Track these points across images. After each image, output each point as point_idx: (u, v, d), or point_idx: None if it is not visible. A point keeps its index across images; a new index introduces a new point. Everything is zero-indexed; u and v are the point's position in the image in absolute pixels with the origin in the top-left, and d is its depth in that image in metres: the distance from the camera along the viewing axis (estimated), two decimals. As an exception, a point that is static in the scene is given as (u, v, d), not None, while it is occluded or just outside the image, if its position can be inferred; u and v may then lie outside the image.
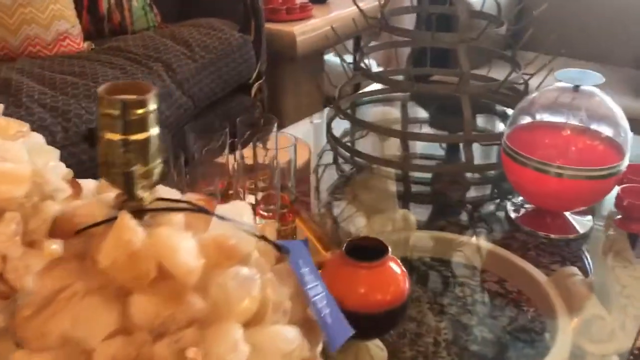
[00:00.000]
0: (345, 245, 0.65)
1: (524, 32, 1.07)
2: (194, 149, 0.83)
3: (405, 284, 0.65)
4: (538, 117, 0.84)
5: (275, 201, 0.79)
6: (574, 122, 0.81)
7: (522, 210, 0.89)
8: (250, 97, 1.60)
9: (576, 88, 0.80)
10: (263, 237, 0.35)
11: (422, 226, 0.88)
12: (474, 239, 0.84)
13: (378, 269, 0.64)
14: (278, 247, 0.34)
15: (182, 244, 0.31)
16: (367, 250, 0.65)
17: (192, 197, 0.36)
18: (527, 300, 0.73)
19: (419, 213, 0.92)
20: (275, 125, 0.88)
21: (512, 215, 0.88)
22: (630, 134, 0.82)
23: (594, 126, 0.82)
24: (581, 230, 0.86)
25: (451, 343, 0.67)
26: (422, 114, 1.25)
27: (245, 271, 0.31)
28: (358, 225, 0.90)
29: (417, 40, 1.03)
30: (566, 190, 0.81)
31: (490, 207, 0.95)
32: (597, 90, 0.81)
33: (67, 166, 1.02)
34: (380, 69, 2.10)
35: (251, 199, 0.85)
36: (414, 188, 1.01)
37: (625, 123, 0.82)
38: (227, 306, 0.30)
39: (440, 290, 0.76)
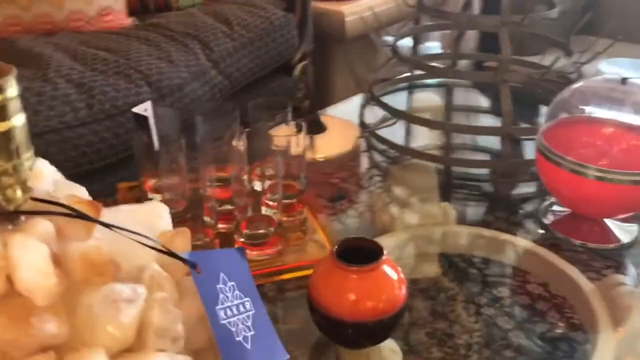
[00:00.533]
0: (336, 246, 0.59)
1: (580, 16, 0.97)
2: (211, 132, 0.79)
3: (401, 291, 0.60)
4: (578, 111, 0.75)
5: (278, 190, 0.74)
6: (619, 118, 0.72)
7: (557, 214, 0.81)
8: (293, 78, 1.55)
9: (624, 80, 0.71)
10: (164, 250, 0.30)
11: (465, 221, 0.82)
12: (517, 238, 0.77)
13: (370, 273, 0.58)
14: (183, 261, 0.29)
15: (27, 256, 0.26)
16: (362, 252, 0.59)
17: (75, 198, 0.31)
18: (571, 307, 0.67)
19: (464, 207, 0.87)
20: (289, 110, 0.83)
21: (545, 219, 0.80)
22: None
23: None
24: (624, 240, 0.77)
25: (483, 346, 0.62)
26: (481, 101, 1.17)
27: (121, 290, 0.27)
28: (392, 216, 0.84)
29: (453, 23, 0.95)
30: (607, 195, 0.72)
31: (535, 205, 0.87)
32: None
33: (90, 144, 0.99)
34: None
35: (258, 186, 0.81)
36: (457, 181, 0.95)
37: None
38: (91, 331, 0.25)
39: (478, 290, 0.70)
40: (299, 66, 1.58)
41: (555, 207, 0.82)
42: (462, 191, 0.92)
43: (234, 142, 0.75)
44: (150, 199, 0.76)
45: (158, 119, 0.80)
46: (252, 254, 0.71)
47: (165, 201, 0.73)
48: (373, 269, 0.58)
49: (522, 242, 0.77)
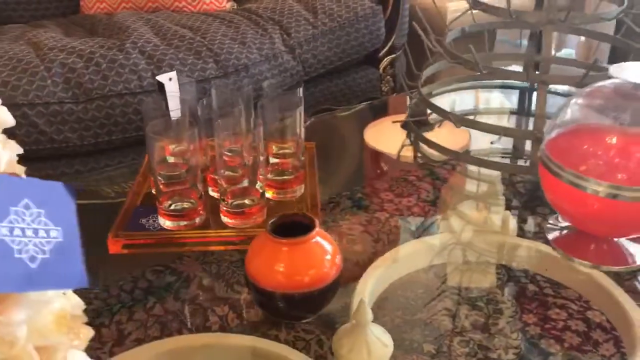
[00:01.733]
0: (273, 220, 0.61)
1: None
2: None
3: (334, 266, 0.60)
4: (586, 119, 0.68)
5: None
6: (631, 128, 0.65)
7: (563, 231, 0.74)
8: (379, 71, 1.55)
9: (637, 86, 0.64)
10: None
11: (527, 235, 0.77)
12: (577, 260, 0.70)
13: (299, 246, 0.59)
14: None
15: None
16: (303, 228, 0.60)
17: None
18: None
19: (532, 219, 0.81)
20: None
21: (550, 235, 0.74)
22: None
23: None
24: (638, 261, 0.70)
25: (516, 365, 0.59)
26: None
27: None
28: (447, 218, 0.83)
29: (499, 21, 0.90)
30: (616, 213, 0.65)
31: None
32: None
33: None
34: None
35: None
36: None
37: None
38: None
39: (531, 307, 0.66)
40: (386, 59, 1.58)
41: (555, 225, 0.76)
42: (532, 202, 0.85)
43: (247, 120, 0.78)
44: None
45: (183, 90, 0.85)
46: (230, 222, 0.75)
47: (169, 164, 0.78)
48: (302, 242, 0.58)
49: (580, 265, 0.70)
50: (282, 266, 0.58)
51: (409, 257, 0.72)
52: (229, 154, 0.78)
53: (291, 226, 0.60)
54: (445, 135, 0.96)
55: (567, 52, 2.38)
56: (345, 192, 0.87)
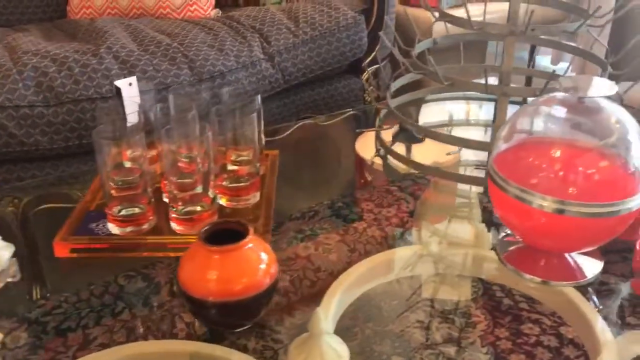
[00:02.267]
0: (205, 228, 0.60)
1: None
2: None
3: (268, 274, 0.59)
4: (534, 132, 0.67)
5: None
6: (576, 142, 0.64)
7: (513, 245, 0.73)
8: (361, 80, 1.55)
9: (581, 100, 0.63)
10: None
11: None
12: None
13: (231, 254, 0.58)
14: None
15: None
16: (238, 236, 0.60)
17: None
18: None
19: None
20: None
21: (501, 250, 0.73)
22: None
23: (602, 148, 0.64)
24: (589, 275, 0.69)
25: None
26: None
27: None
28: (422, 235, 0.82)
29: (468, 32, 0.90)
30: (563, 229, 0.64)
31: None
32: (609, 103, 0.63)
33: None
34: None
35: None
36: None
37: None
38: None
39: (504, 322, 0.65)
40: (370, 69, 1.58)
41: (504, 239, 0.75)
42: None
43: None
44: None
45: (143, 96, 0.85)
46: (179, 228, 0.75)
47: (125, 169, 0.78)
48: (234, 250, 0.58)
49: (531, 280, 0.69)
50: (213, 274, 0.58)
51: (379, 268, 0.71)
52: (186, 160, 0.78)
53: (227, 234, 0.60)
54: (433, 147, 0.95)
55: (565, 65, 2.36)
56: (327, 201, 0.87)
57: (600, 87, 0.63)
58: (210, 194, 0.75)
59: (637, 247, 0.70)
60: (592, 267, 0.70)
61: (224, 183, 0.80)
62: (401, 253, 0.75)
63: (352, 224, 0.81)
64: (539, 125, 0.67)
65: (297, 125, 1.14)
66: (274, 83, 1.34)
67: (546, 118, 0.67)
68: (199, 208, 0.75)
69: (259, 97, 0.84)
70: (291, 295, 0.68)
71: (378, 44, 1.55)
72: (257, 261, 0.59)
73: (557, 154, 0.64)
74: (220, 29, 1.33)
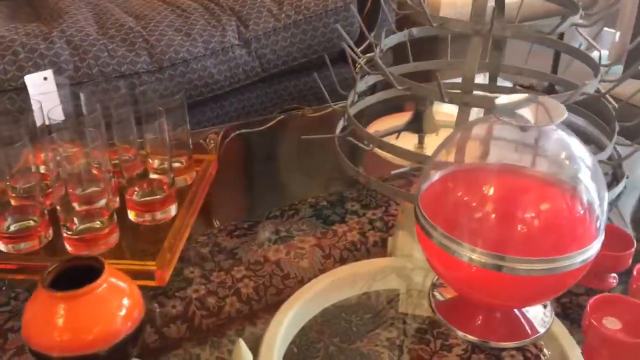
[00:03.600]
0: (52, 267, 0.51)
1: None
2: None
3: (127, 320, 0.50)
4: (466, 162, 0.55)
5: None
6: (517, 177, 0.52)
7: (447, 295, 0.62)
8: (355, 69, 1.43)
9: (522, 128, 0.51)
10: None
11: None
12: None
13: (80, 300, 0.49)
14: None
15: None
16: (90, 274, 0.51)
17: None
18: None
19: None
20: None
21: (434, 299, 0.62)
22: (606, 202, 0.50)
23: (548, 185, 0.52)
24: (541, 329, 0.58)
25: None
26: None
27: None
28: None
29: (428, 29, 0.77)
30: (498, 285, 0.53)
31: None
32: (559, 132, 0.51)
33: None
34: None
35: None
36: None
37: (602, 181, 0.51)
38: None
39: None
40: (365, 57, 1.45)
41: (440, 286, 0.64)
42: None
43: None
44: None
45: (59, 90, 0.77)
46: (72, 249, 0.66)
47: (29, 174, 0.70)
48: (82, 294, 0.49)
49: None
50: (58, 324, 0.49)
51: (345, 281, 0.65)
52: (97, 166, 0.69)
53: (84, 271, 0.51)
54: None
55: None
56: (310, 199, 0.80)
57: (550, 112, 0.51)
58: (106, 206, 0.66)
59: (635, 273, 0.59)
60: (545, 318, 0.59)
61: (134, 196, 0.70)
62: (368, 267, 0.67)
63: (332, 226, 0.75)
64: (474, 154, 0.55)
65: (280, 117, 1.06)
66: (250, 72, 1.24)
67: (484, 145, 0.55)
68: (97, 224, 0.66)
69: (183, 96, 0.74)
70: (254, 304, 0.63)
71: (375, 30, 1.43)
72: (114, 305, 0.50)
73: (491, 191, 0.52)
74: (195, 11, 1.23)
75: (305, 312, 0.62)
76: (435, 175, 0.56)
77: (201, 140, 1.05)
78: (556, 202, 0.52)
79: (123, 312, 0.50)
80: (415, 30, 0.93)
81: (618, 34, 1.47)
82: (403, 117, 1.02)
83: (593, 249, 0.51)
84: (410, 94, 0.78)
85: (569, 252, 0.50)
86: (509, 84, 1.09)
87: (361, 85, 0.93)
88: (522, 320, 0.59)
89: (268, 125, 1.05)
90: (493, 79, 1.00)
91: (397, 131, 0.99)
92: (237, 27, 1.22)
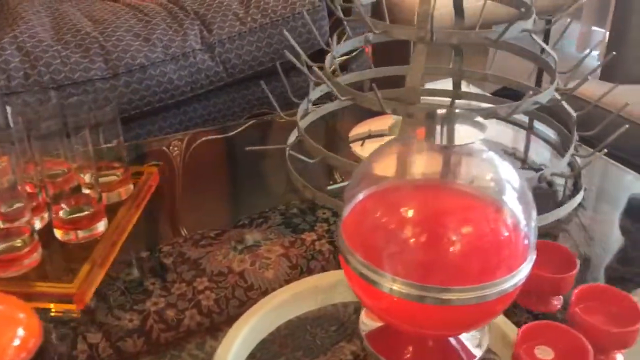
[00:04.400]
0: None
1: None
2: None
3: (22, 350, 0.47)
4: (389, 182, 0.51)
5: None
6: (441, 199, 0.49)
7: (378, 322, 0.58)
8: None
9: (446, 147, 0.47)
10: None
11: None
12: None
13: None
14: None
15: None
16: None
17: None
18: None
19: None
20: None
21: (363, 327, 0.57)
22: (534, 221, 0.47)
23: (474, 209, 0.48)
24: (477, 353, 0.54)
25: None
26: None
27: None
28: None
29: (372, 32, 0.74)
30: (423, 316, 0.49)
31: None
32: (482, 148, 0.47)
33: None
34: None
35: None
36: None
37: (529, 199, 0.47)
38: None
39: None
40: (338, 60, 1.42)
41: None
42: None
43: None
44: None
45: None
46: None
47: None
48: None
49: None
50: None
51: (305, 294, 0.62)
52: (24, 181, 0.66)
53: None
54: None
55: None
56: (280, 207, 0.78)
57: (467, 129, 0.47)
58: (26, 223, 0.62)
59: (573, 298, 0.56)
60: (482, 340, 0.56)
61: (60, 213, 0.67)
62: (329, 279, 0.64)
63: (301, 235, 0.73)
64: (398, 173, 0.51)
65: (249, 122, 1.03)
66: (214, 77, 1.21)
67: (408, 164, 0.51)
68: (18, 243, 0.63)
69: (115, 107, 0.71)
70: (215, 316, 0.61)
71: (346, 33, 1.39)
72: (7, 337, 0.47)
73: (411, 215, 0.49)
74: (157, 15, 1.20)
75: (262, 328, 0.59)
76: (359, 196, 0.52)
77: (164, 148, 1.02)
78: (481, 225, 0.48)
79: (17, 342, 0.47)
80: (370, 36, 0.89)
81: (607, 33, 1.43)
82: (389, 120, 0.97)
83: (522, 272, 0.48)
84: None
85: (497, 277, 0.47)
86: (478, 91, 1.05)
87: (315, 94, 0.89)
88: (457, 347, 0.56)
89: (237, 131, 1.03)
90: (457, 86, 0.96)
91: (369, 137, 0.95)
92: (201, 32, 1.19)
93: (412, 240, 0.48)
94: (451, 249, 0.48)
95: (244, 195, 0.87)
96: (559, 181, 0.80)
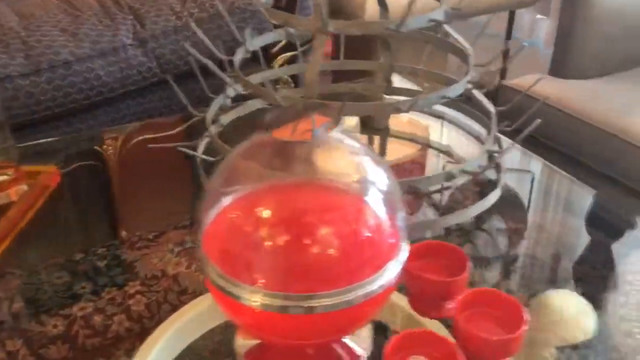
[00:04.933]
0: None
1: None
2: None
3: None
4: (243, 189, 0.47)
5: None
6: (299, 200, 0.46)
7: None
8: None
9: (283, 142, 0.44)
10: None
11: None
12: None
13: None
14: None
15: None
16: None
17: None
18: None
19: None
20: None
21: (238, 348, 0.54)
22: (402, 218, 0.44)
23: (334, 208, 0.45)
24: (362, 354, 0.51)
25: None
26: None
27: None
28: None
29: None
30: (289, 326, 0.45)
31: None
32: (344, 140, 0.44)
33: None
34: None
35: None
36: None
37: (396, 195, 0.44)
38: None
39: None
40: (282, 57, 1.39)
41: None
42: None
43: None
44: None
45: None
46: None
47: None
48: None
49: None
50: None
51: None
52: None
53: None
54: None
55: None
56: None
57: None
58: None
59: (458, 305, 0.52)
60: (366, 339, 0.53)
61: None
62: None
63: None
64: (246, 179, 0.47)
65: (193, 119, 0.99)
66: (147, 73, 1.17)
67: (254, 169, 0.47)
68: None
69: (1, 106, 0.67)
70: (146, 322, 0.59)
71: (290, 27, 1.36)
72: None
73: (266, 218, 0.45)
74: (89, 9, 1.16)
75: (182, 337, 0.56)
76: (220, 202, 0.48)
77: (96, 147, 0.98)
78: (341, 225, 0.45)
79: None
80: (292, 29, 0.86)
81: (549, 21, 1.41)
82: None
83: (389, 272, 0.45)
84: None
85: (361, 279, 0.43)
86: (411, 86, 1.02)
87: (230, 92, 0.85)
88: (340, 351, 0.52)
89: (178, 129, 0.99)
90: (387, 80, 0.93)
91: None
92: (133, 26, 1.16)
93: (269, 246, 0.45)
94: (312, 253, 0.45)
95: (186, 195, 0.84)
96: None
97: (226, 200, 0.47)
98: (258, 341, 0.54)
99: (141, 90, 1.18)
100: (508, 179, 0.76)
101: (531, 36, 2.35)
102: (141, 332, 0.58)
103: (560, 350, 0.59)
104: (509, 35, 1.94)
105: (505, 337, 0.48)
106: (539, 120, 0.70)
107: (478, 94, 0.75)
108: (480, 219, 0.73)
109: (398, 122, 0.91)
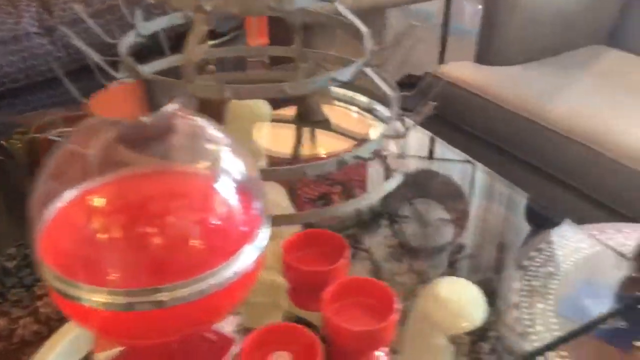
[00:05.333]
0: None
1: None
2: None
3: None
4: (88, 180, 0.43)
5: None
6: (141, 187, 0.42)
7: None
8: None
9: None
10: None
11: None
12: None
13: None
14: None
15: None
16: None
17: None
18: None
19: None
20: None
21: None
22: (259, 200, 0.41)
23: (179, 194, 0.42)
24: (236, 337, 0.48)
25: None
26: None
27: None
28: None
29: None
30: (145, 323, 0.41)
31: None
32: (178, 120, 0.41)
33: None
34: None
35: None
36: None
37: (251, 179, 0.41)
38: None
39: None
40: (212, 43, 1.34)
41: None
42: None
43: None
44: None
45: None
46: None
47: None
48: None
49: None
50: None
51: None
52: None
53: None
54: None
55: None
56: None
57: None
58: None
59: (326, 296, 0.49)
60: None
61: None
62: None
63: None
64: (86, 165, 0.43)
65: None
66: (55, 62, 1.11)
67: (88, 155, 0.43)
68: None
69: None
70: (54, 324, 0.57)
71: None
72: None
73: (100, 204, 0.41)
74: (-6, -4, 1.10)
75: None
76: (54, 199, 0.44)
77: (2, 142, 0.92)
78: (186, 213, 0.41)
79: None
80: (190, 13, 0.82)
81: (480, 7, 1.39)
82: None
83: (243, 259, 0.41)
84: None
85: (212, 267, 0.40)
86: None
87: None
88: (211, 337, 0.49)
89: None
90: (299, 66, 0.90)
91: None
92: (38, 14, 1.10)
93: (105, 239, 0.41)
94: (154, 243, 0.41)
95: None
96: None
97: (59, 196, 0.43)
98: (118, 349, 0.50)
99: (49, 81, 1.13)
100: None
101: (474, 25, 2.36)
102: (49, 335, 0.54)
103: (451, 339, 0.57)
104: (446, 23, 1.95)
105: (371, 327, 0.46)
106: (434, 103, 0.67)
107: (377, 79, 0.73)
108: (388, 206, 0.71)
109: (351, 119, 0.89)
